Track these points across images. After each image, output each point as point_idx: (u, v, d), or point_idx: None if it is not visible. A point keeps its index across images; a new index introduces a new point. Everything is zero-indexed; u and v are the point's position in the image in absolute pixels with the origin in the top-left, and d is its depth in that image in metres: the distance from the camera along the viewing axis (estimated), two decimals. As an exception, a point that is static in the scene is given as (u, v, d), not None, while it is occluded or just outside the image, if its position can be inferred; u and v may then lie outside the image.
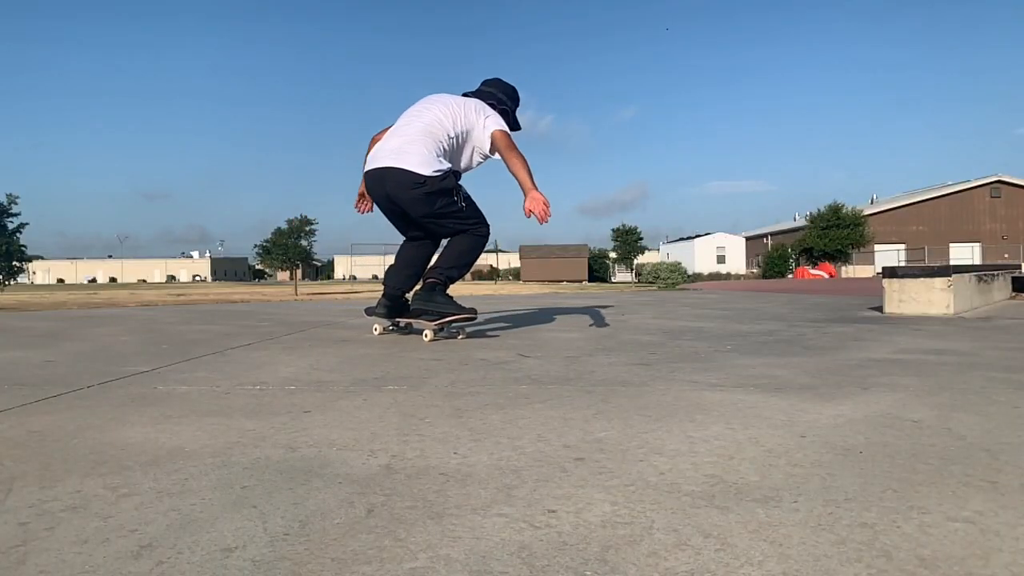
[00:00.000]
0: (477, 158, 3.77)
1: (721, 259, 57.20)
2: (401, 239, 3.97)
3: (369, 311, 4.02)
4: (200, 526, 1.03)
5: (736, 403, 1.89)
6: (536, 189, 3.42)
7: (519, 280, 39.79)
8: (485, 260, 58.45)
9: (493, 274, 46.21)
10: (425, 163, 3.45)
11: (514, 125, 3.87)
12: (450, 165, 3.57)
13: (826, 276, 34.10)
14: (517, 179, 3.47)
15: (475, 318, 3.64)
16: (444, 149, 3.56)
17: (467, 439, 1.53)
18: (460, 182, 3.68)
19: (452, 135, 3.59)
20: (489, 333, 4.04)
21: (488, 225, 3.72)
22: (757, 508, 1.08)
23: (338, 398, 2.02)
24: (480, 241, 3.72)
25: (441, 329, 3.67)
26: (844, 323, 4.60)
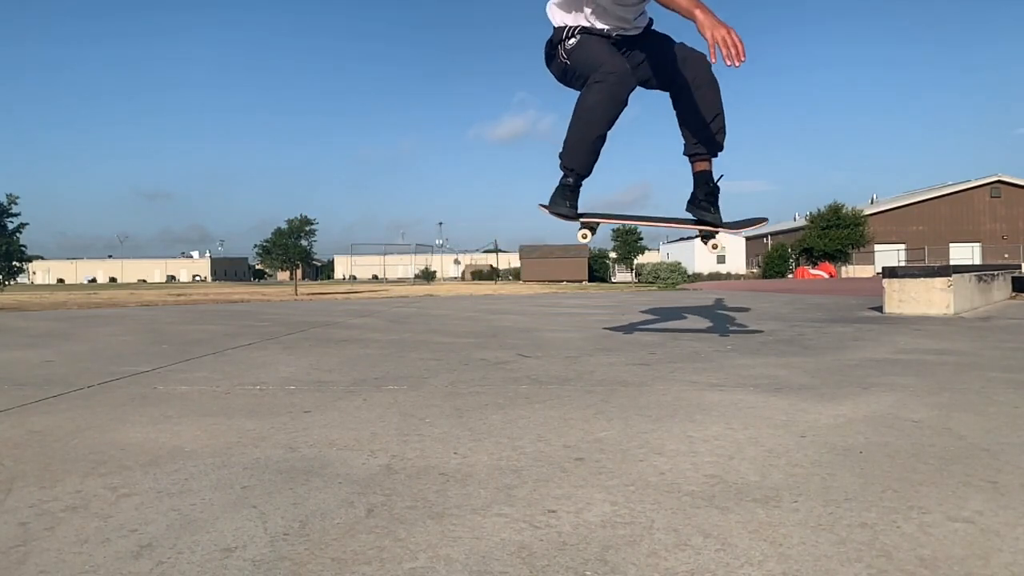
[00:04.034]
0: None
1: (721, 259, 57.17)
2: None
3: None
4: (200, 526, 1.03)
5: (736, 403, 1.89)
6: (708, 10, 2.41)
7: (519, 280, 39.80)
8: (484, 260, 57.21)
9: (493, 274, 46.14)
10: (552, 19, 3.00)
11: None
12: (564, 22, 2.93)
13: (826, 276, 34.06)
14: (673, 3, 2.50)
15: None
16: None
17: (467, 439, 1.53)
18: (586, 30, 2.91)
19: None
20: (494, 333, 4.04)
21: (611, 66, 2.78)
22: (757, 508, 1.08)
23: (338, 398, 2.02)
24: (587, 94, 2.83)
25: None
26: (844, 323, 4.60)
